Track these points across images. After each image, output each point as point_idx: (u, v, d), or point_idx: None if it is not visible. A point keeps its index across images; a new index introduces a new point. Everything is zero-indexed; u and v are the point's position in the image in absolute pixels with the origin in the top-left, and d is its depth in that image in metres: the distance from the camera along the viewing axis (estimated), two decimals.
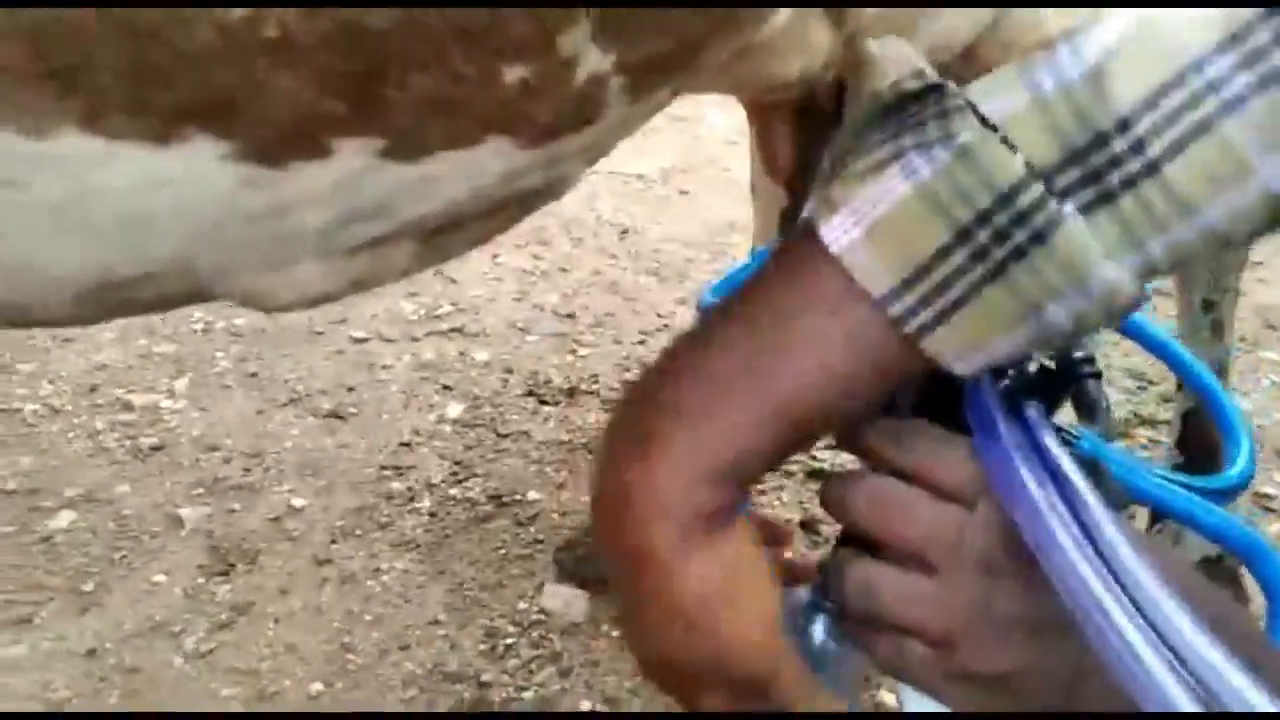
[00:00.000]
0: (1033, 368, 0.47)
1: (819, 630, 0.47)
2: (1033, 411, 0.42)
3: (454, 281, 2.36)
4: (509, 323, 2.22)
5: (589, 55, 0.50)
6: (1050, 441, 0.40)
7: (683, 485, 0.41)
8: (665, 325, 2.24)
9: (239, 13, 0.38)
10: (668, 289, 2.42)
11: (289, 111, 0.43)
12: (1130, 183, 0.37)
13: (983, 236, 0.38)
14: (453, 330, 2.17)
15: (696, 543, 0.41)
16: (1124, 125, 0.37)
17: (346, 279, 0.60)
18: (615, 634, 1.38)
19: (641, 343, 2.16)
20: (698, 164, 3.09)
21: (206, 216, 0.47)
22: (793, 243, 0.41)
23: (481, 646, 1.36)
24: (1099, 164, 0.37)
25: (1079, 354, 0.59)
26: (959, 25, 0.76)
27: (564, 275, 2.48)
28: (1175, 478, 0.58)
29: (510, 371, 2.03)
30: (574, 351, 2.11)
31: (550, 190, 0.67)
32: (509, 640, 1.37)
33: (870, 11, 0.70)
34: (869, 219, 0.38)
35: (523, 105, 0.49)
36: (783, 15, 0.63)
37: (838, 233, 0.39)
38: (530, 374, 2.01)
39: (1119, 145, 0.37)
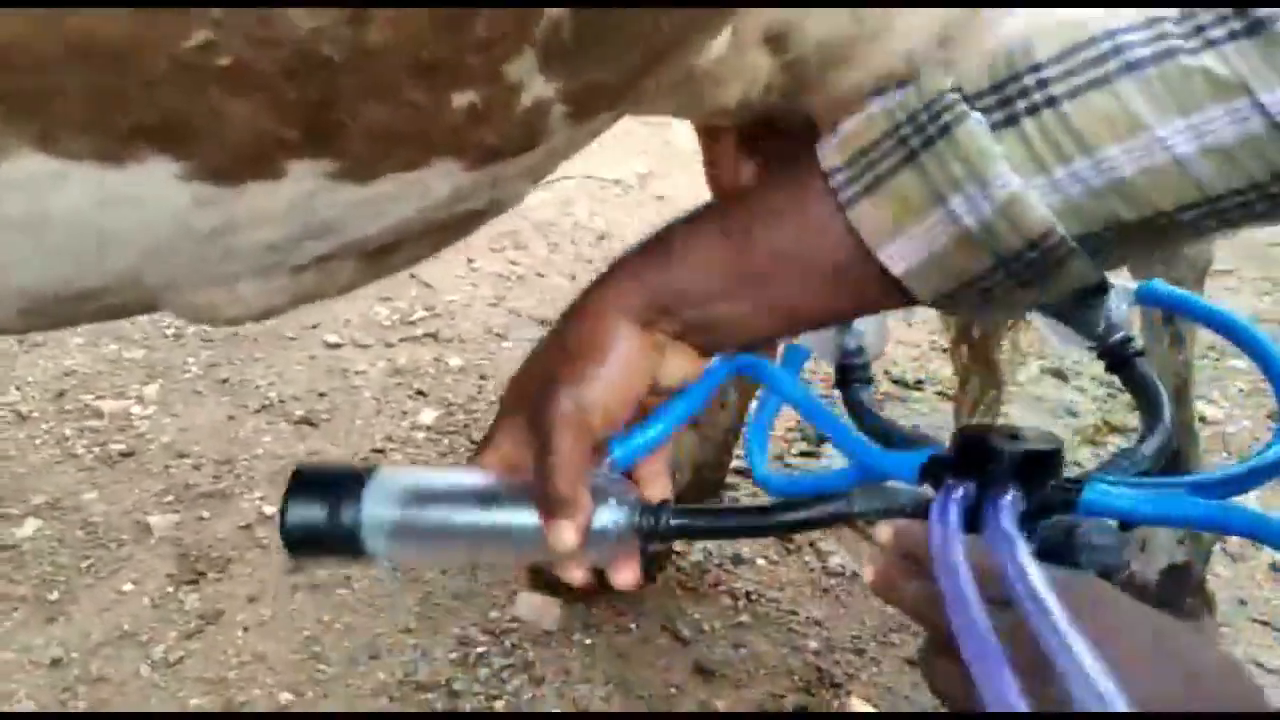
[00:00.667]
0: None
1: (610, 516, 0.56)
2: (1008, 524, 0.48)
3: (429, 286, 2.35)
4: (484, 328, 2.21)
5: (534, 82, 0.51)
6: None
7: (638, 293, 0.57)
8: None
9: (192, 42, 0.38)
10: None
11: (243, 135, 0.43)
12: (1033, 110, 0.46)
13: (906, 130, 0.49)
14: (427, 335, 2.16)
15: (629, 326, 0.56)
16: (1036, 68, 0.47)
17: (290, 294, 0.61)
18: (588, 642, 1.38)
19: None
20: (674, 168, 3.09)
21: (160, 233, 0.48)
22: (830, 230, 0.52)
23: (453, 655, 1.36)
24: (1011, 93, 0.47)
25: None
26: (899, 57, 0.76)
27: (540, 280, 2.47)
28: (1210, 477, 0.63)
29: (485, 378, 2.02)
30: None
31: (490, 210, 0.68)
32: (480, 649, 1.37)
33: (812, 39, 0.71)
34: (843, 132, 0.52)
35: (470, 130, 0.50)
36: (720, 43, 0.64)
37: (824, 148, 0.52)
38: (506, 380, 2.00)
39: (1029, 80, 0.47)
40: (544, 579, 1.45)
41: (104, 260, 0.48)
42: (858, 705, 1.31)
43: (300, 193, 0.48)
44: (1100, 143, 0.45)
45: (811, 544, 1.58)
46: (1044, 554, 0.50)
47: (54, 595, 1.42)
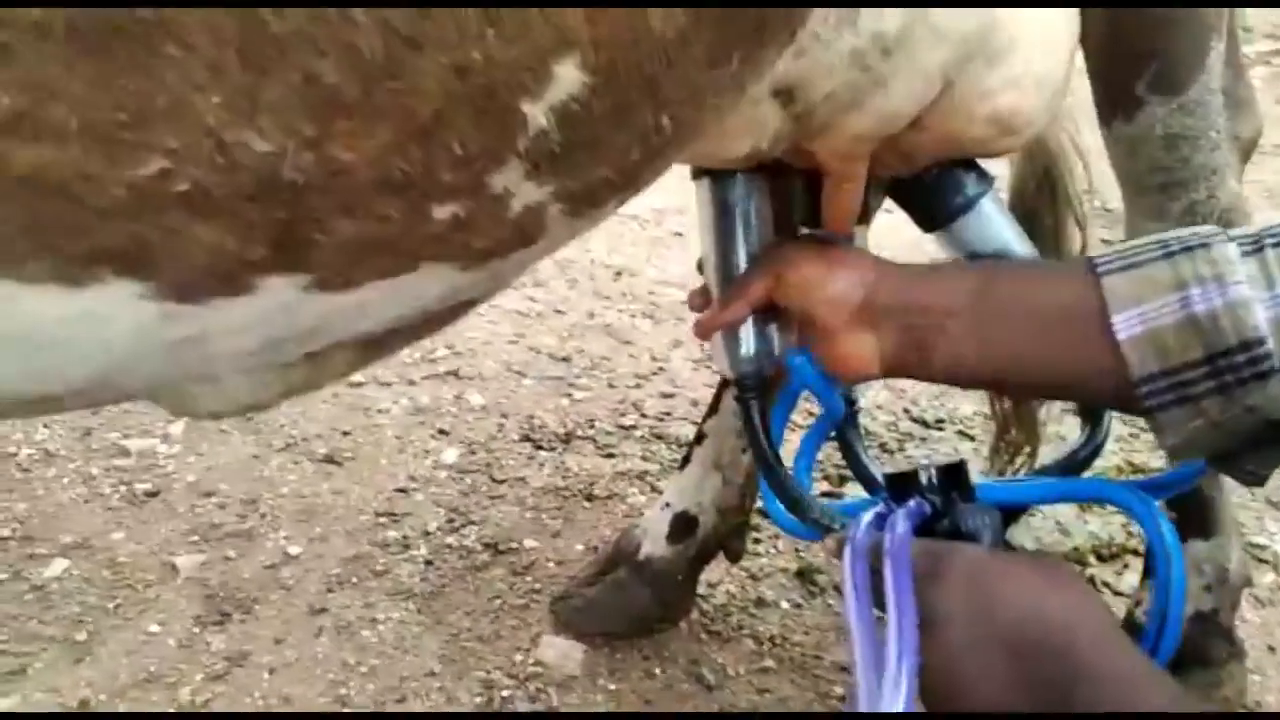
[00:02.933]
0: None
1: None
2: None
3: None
4: (505, 366, 2.23)
5: (522, 189, 0.50)
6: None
7: (884, 286, 0.76)
8: (660, 368, 2.26)
9: (148, 170, 0.38)
10: (662, 331, 2.43)
11: (208, 257, 0.43)
12: (1276, 245, 0.58)
13: (1172, 243, 0.60)
14: (448, 373, 2.18)
15: (862, 298, 0.76)
16: None
17: (279, 390, 0.62)
18: (613, 688, 1.38)
19: (637, 386, 2.17)
20: (690, 204, 3.11)
21: (125, 347, 0.47)
22: (1076, 287, 0.63)
23: (478, 699, 1.36)
24: (1263, 237, 0.59)
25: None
26: (902, 103, 0.77)
27: (559, 318, 2.49)
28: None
29: (506, 416, 2.03)
30: (569, 395, 2.12)
31: (494, 290, 0.69)
32: (505, 692, 1.37)
33: (818, 90, 0.72)
34: (1151, 324, 0.59)
35: (457, 236, 0.50)
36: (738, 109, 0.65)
37: (1127, 322, 0.60)
38: (526, 419, 2.02)
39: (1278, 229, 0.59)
40: (567, 621, 1.45)
41: (68, 370, 0.48)
42: None
43: (275, 304, 0.48)
44: None
45: (836, 588, 1.57)
46: (950, 535, 0.69)
47: (82, 636, 1.43)
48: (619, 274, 2.75)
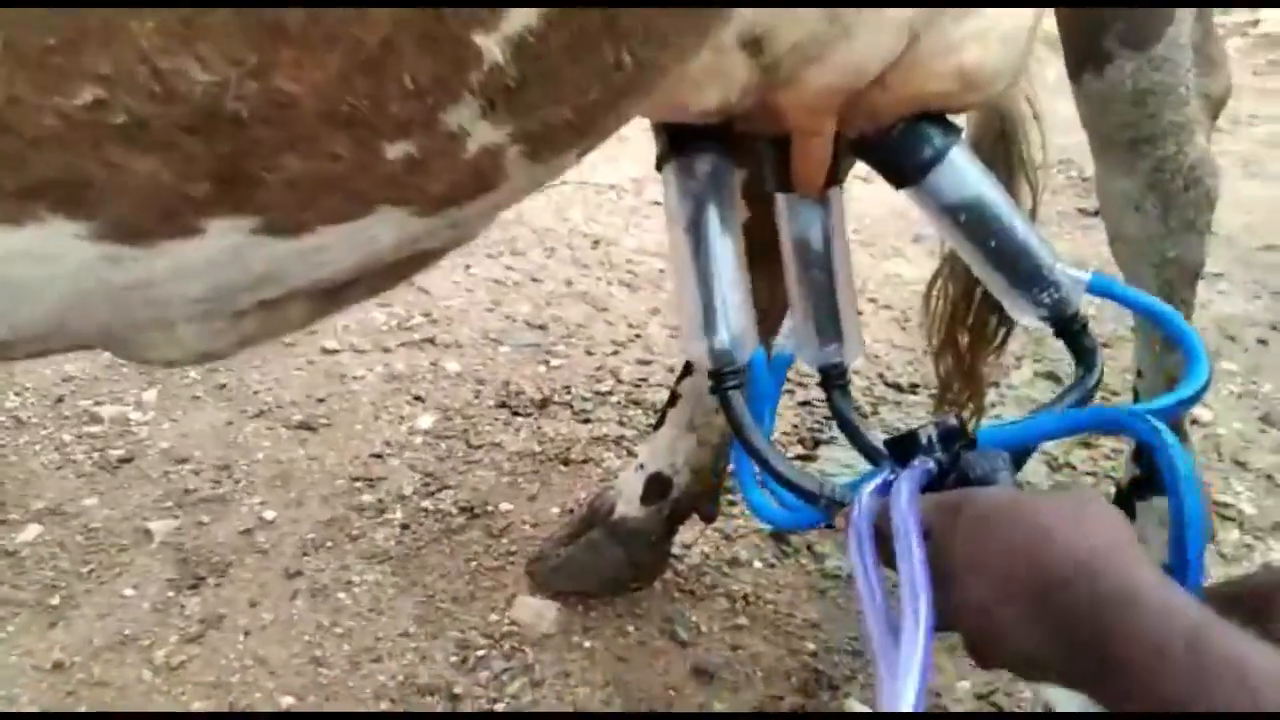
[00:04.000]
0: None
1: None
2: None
3: (426, 292, 2.36)
4: (482, 333, 2.22)
5: (478, 129, 0.49)
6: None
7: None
8: (637, 335, 2.26)
9: (81, 99, 0.37)
10: (640, 299, 2.44)
11: (148, 193, 0.42)
12: None
13: None
14: (424, 341, 2.17)
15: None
16: None
17: (233, 338, 0.61)
18: (587, 645, 1.39)
19: (614, 353, 2.18)
20: None
21: (72, 289, 0.46)
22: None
23: (453, 658, 1.36)
24: None
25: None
26: (869, 55, 0.77)
27: (536, 286, 2.49)
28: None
29: (482, 383, 2.03)
30: (546, 363, 2.12)
31: (453, 244, 0.67)
32: (480, 652, 1.38)
33: (785, 40, 0.71)
34: None
35: (411, 178, 0.49)
36: (702, 56, 0.63)
37: None
38: (502, 385, 2.02)
39: None
40: (542, 581, 1.46)
41: (18, 312, 0.47)
42: (855, 706, 1.32)
43: (224, 248, 0.47)
44: None
45: (809, 547, 1.59)
46: (960, 481, 0.69)
47: (55, 600, 1.43)
48: (597, 243, 2.74)
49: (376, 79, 0.44)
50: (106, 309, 0.52)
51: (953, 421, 0.74)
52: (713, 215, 0.90)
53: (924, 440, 0.72)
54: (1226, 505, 1.71)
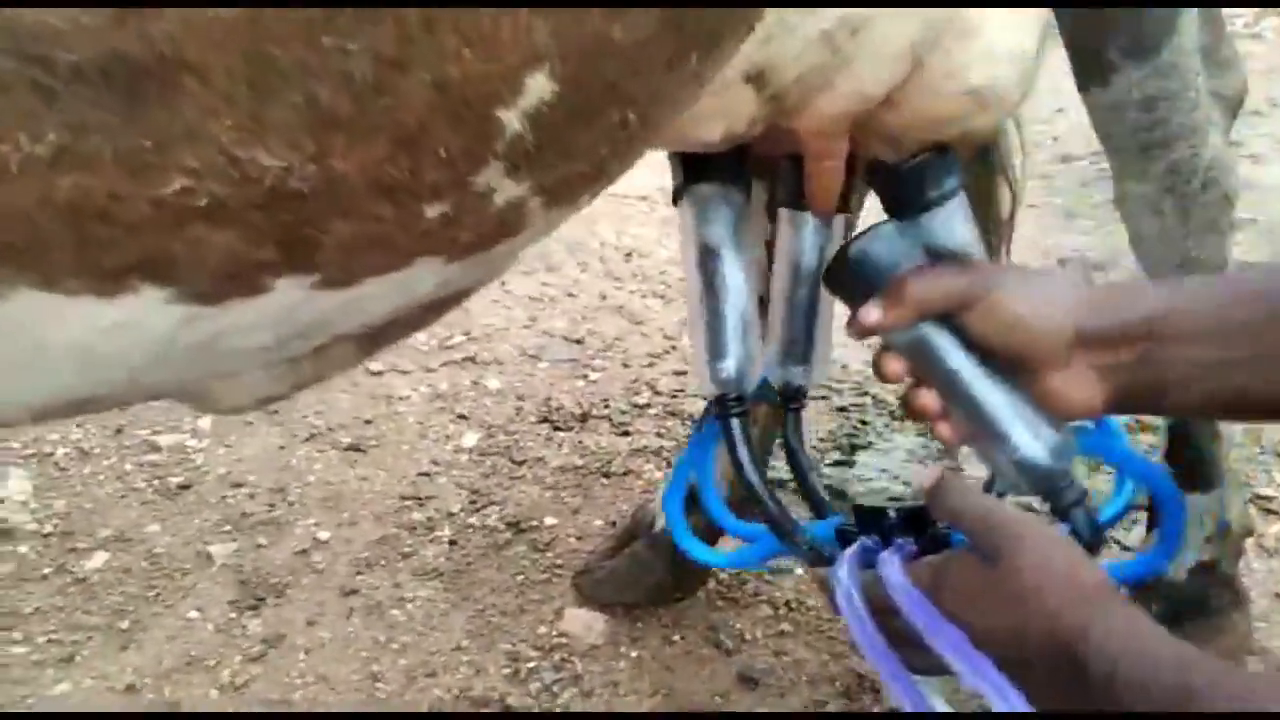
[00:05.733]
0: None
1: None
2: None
3: (465, 310, 2.41)
4: (520, 350, 2.27)
5: (504, 186, 0.55)
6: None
7: (1110, 309, 0.66)
8: (672, 347, 2.30)
9: (171, 188, 0.43)
10: (674, 310, 2.47)
11: (224, 261, 0.48)
12: None
13: None
14: (466, 359, 2.23)
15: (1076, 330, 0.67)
16: None
17: (290, 382, 0.67)
18: (635, 655, 1.43)
19: (650, 365, 2.22)
20: None
21: (152, 350, 0.52)
22: None
23: (505, 671, 1.41)
24: None
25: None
26: (875, 81, 0.80)
27: (572, 300, 2.53)
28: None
29: (523, 399, 2.08)
30: (584, 377, 2.17)
31: (484, 280, 0.74)
32: (531, 664, 1.42)
33: (791, 73, 0.74)
34: None
35: (445, 232, 0.55)
36: (705, 96, 0.68)
37: None
38: (543, 401, 2.07)
39: None
40: (589, 593, 1.51)
41: (100, 374, 0.53)
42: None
43: (284, 303, 0.53)
44: None
45: None
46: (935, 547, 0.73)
47: (125, 624, 1.49)
48: (629, 255, 2.79)
49: (414, 154, 0.49)
50: (183, 364, 0.57)
51: (917, 506, 0.76)
52: (727, 246, 0.93)
53: (889, 518, 0.77)
54: (1269, 498, 1.71)
